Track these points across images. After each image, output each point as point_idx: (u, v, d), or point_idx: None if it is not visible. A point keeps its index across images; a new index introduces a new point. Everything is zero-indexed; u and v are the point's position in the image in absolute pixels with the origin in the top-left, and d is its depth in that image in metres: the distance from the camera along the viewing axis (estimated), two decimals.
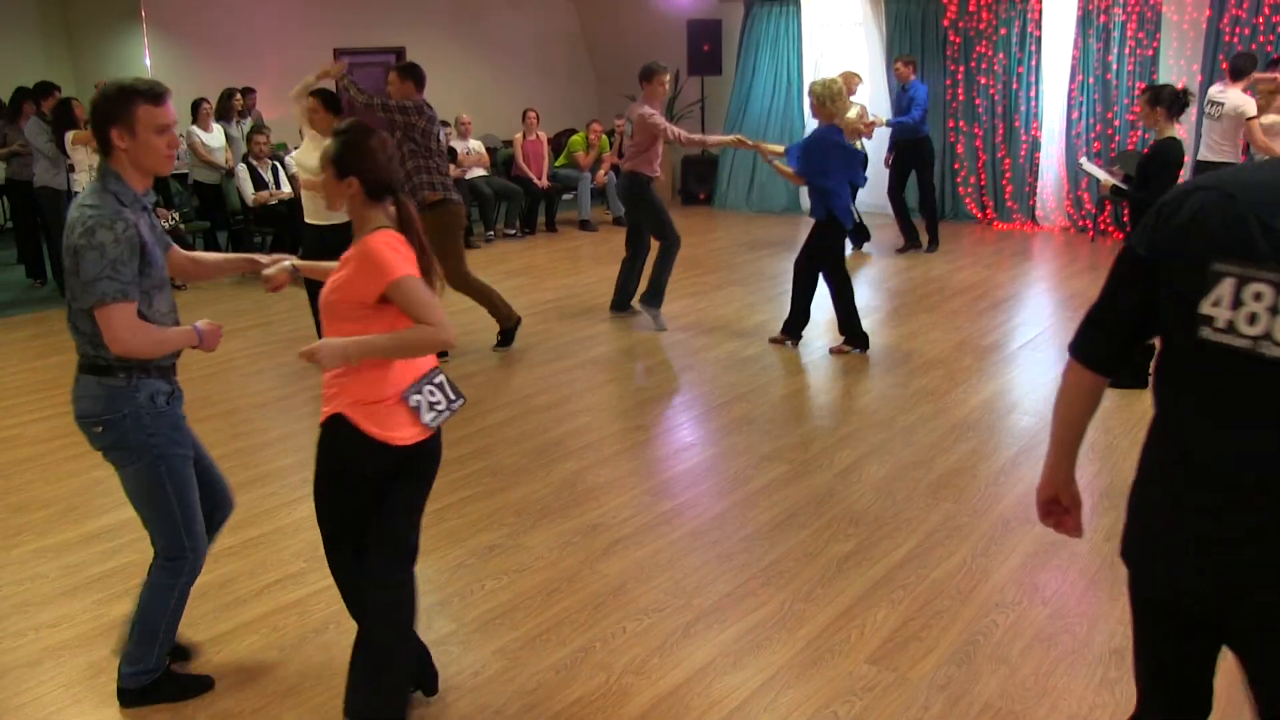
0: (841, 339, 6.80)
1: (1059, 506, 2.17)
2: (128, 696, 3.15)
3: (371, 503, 2.90)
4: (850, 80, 9.54)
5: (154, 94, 2.83)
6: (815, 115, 6.59)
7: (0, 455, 5.22)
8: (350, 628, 3.54)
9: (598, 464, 4.99)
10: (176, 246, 3.22)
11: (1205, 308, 1.76)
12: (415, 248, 2.89)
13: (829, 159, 6.50)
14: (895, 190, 10.04)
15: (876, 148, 10.56)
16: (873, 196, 11.66)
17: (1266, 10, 9.78)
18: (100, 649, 3.44)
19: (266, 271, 3.19)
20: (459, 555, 4.07)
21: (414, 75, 6.62)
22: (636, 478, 4.86)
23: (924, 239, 10.12)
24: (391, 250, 2.78)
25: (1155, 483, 1.93)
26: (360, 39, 12.10)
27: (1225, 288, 1.73)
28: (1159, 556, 1.92)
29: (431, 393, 2.90)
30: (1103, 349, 1.99)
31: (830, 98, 6.45)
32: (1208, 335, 1.76)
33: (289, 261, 3.23)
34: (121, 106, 2.80)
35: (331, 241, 5.57)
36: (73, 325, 2.89)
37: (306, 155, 6.23)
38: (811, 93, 6.52)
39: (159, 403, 2.94)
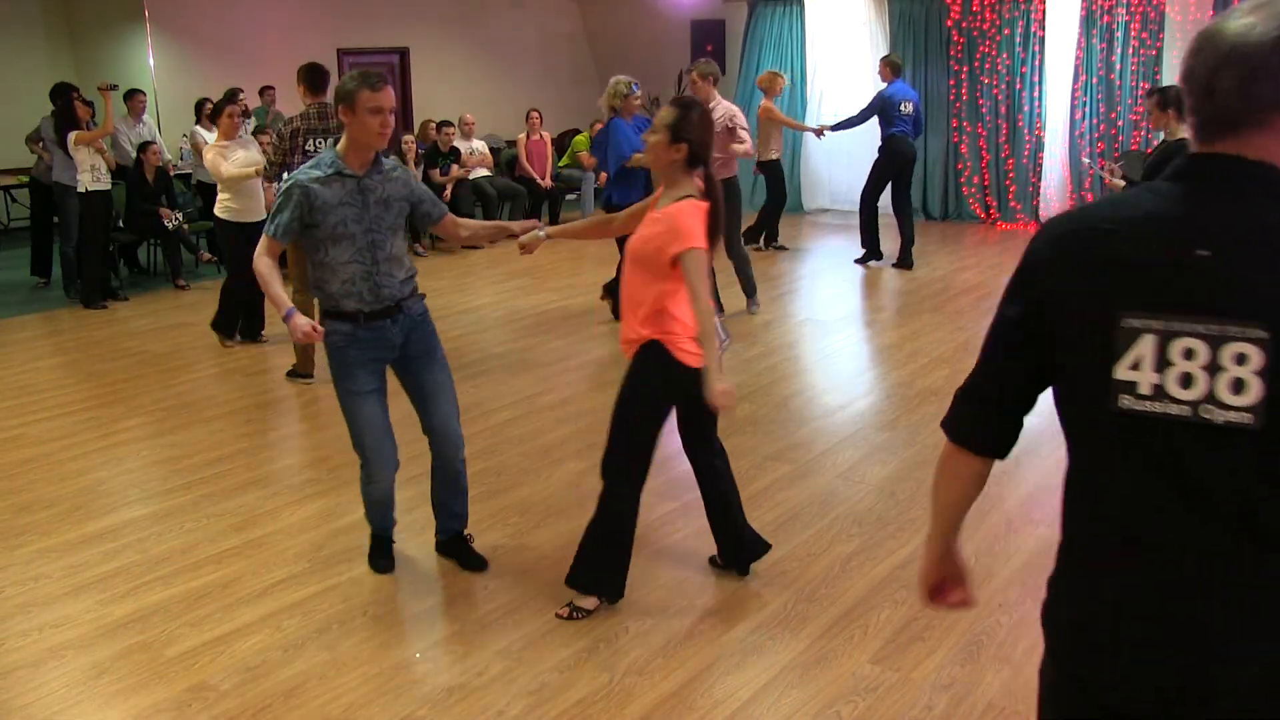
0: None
1: (947, 585, 1.94)
2: (437, 546, 4.05)
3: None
4: (775, 81, 9.59)
5: (372, 83, 3.46)
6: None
7: (4, 455, 5.23)
8: (353, 628, 3.55)
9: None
10: (450, 214, 3.86)
11: (1121, 372, 1.48)
12: (712, 220, 3.36)
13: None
14: (868, 197, 9.53)
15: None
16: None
17: None
18: (103, 649, 3.45)
19: (523, 238, 3.72)
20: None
21: (304, 77, 6.37)
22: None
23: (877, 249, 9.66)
24: (695, 220, 3.29)
25: (1096, 573, 1.60)
26: (363, 39, 12.11)
27: (1145, 346, 1.45)
28: (1109, 658, 1.56)
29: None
30: (993, 430, 1.73)
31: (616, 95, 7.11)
32: (1129, 405, 1.48)
33: (541, 231, 3.74)
34: (351, 90, 3.45)
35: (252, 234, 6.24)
36: None
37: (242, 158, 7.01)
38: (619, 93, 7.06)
39: (333, 340, 3.60)
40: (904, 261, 9.39)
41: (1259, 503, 1.41)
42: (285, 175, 6.07)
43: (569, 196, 12.10)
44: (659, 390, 3.53)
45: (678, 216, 3.30)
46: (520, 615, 3.62)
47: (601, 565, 3.58)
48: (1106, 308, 1.48)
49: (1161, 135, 5.96)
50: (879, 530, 4.22)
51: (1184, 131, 5.74)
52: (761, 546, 3.86)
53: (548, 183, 11.68)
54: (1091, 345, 1.51)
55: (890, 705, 3.10)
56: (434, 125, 10.97)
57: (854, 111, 9.85)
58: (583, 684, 3.22)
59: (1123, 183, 6.02)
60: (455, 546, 4.02)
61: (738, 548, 3.84)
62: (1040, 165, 11.29)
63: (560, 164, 12.21)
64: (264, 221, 5.78)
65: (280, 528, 4.36)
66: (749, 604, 3.68)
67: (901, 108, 9.28)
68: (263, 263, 3.55)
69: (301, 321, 3.45)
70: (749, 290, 7.84)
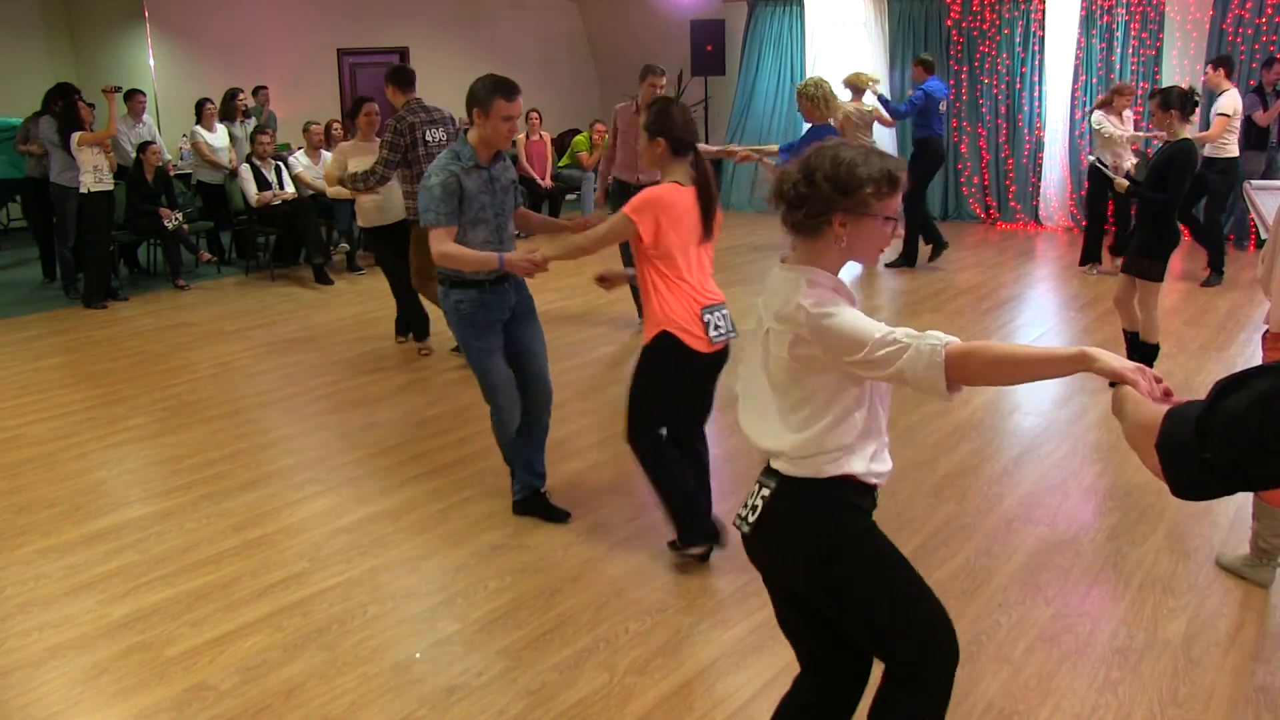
0: None
1: None
2: (514, 506, 4.41)
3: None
4: (862, 80, 9.11)
5: (509, 91, 3.87)
6: (808, 118, 6.48)
7: (4, 455, 5.23)
8: (353, 628, 3.55)
9: (601, 464, 4.99)
10: (522, 206, 4.32)
11: None
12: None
13: None
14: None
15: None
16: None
17: (1269, 10, 9.77)
18: (103, 649, 3.45)
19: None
20: (462, 555, 4.07)
21: (393, 79, 6.43)
22: (640, 478, 4.84)
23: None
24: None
25: None
26: (363, 39, 12.12)
27: None
28: None
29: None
30: None
31: (824, 98, 6.37)
32: None
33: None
34: (486, 96, 3.85)
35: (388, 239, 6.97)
36: None
37: (358, 163, 6.80)
38: (804, 94, 6.39)
39: (460, 309, 4.06)
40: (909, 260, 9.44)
41: None
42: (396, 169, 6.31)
43: (569, 196, 12.10)
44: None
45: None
46: (520, 615, 3.62)
47: None
48: None
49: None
50: None
51: (1186, 132, 5.73)
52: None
53: (548, 183, 11.68)
54: None
55: None
56: None
57: (898, 105, 9.74)
58: (583, 684, 3.22)
59: (1127, 182, 6.01)
60: (536, 503, 4.37)
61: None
62: (1040, 165, 11.30)
63: (560, 164, 12.21)
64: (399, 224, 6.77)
65: (280, 527, 4.36)
66: (749, 603, 3.68)
67: (941, 106, 9.28)
68: (451, 246, 3.90)
69: (517, 257, 3.82)
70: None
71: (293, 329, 7.62)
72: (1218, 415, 1.37)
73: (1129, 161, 8.66)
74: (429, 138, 6.24)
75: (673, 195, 3.65)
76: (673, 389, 3.83)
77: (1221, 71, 8.24)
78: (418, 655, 3.39)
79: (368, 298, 8.50)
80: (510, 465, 4.48)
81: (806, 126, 6.82)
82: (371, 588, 3.84)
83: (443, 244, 3.90)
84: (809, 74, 12.50)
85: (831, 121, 6.52)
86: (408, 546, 4.15)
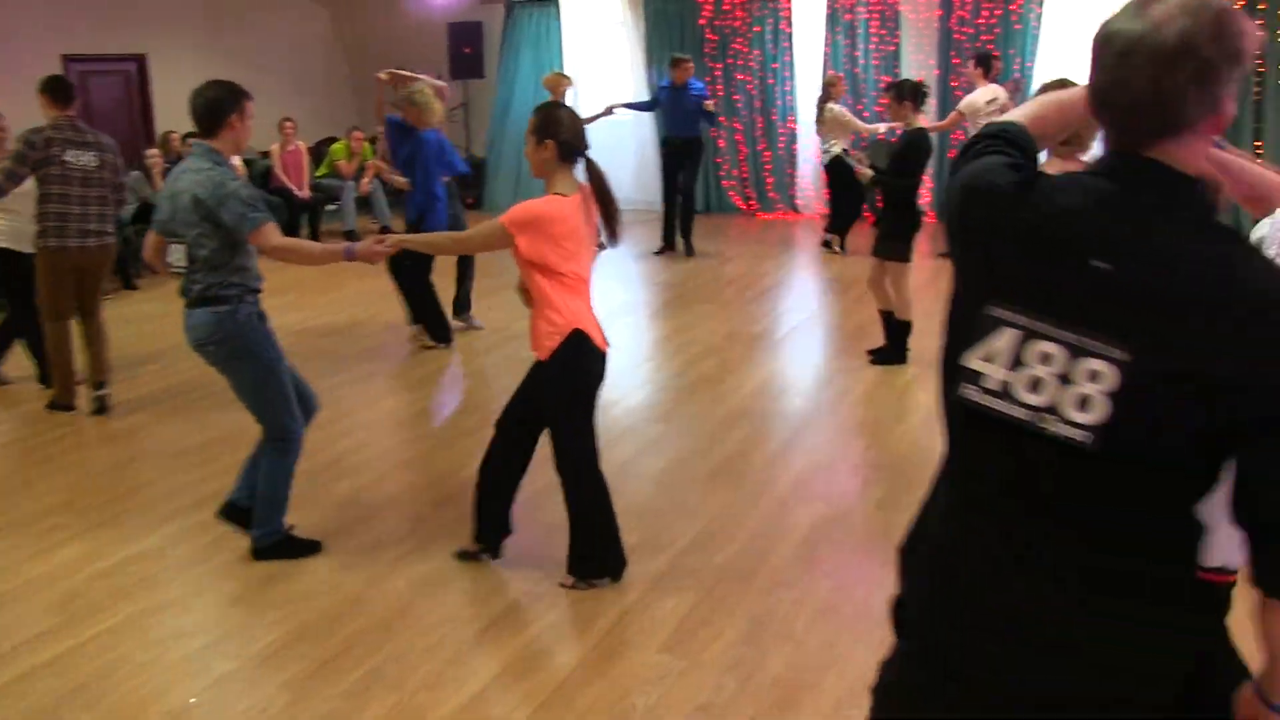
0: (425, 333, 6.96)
1: None
2: (260, 554, 4.01)
3: None
4: (560, 82, 9.29)
5: (248, 94, 3.85)
6: (413, 121, 6.56)
7: None
8: (117, 680, 3.29)
9: (376, 480, 4.84)
10: None
11: (972, 360, 1.42)
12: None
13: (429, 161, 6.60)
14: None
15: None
16: (642, 193, 11.84)
17: (985, 13, 10.67)
18: None
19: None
20: (235, 588, 3.85)
21: (48, 89, 5.77)
22: (418, 490, 4.74)
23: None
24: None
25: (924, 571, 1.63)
26: (94, 45, 11.25)
27: (1003, 340, 1.38)
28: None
29: None
30: None
31: (425, 105, 6.51)
32: (971, 396, 1.43)
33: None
34: (236, 101, 3.79)
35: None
36: (191, 267, 3.76)
37: None
38: (409, 100, 6.53)
39: (254, 320, 3.84)
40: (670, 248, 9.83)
41: (1088, 514, 1.37)
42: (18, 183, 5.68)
43: (329, 207, 11.69)
44: None
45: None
46: (302, 645, 3.46)
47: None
48: (979, 292, 1.43)
49: (902, 125, 6.39)
50: (657, 521, 4.29)
51: (919, 121, 6.18)
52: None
53: (305, 193, 11.24)
54: (958, 327, 1.47)
55: (683, 690, 3.15)
56: (178, 137, 10.32)
57: (641, 99, 10.07)
58: (373, 707, 3.11)
59: (871, 171, 6.40)
60: (288, 546, 4.11)
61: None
62: (795, 156, 11.86)
63: (318, 174, 11.77)
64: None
65: (26, 581, 3.97)
66: (536, 606, 3.66)
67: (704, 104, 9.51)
68: (291, 240, 4.02)
69: (366, 243, 3.84)
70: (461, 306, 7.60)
71: (29, 363, 6.96)
72: (981, 158, 1.54)
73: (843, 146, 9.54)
74: (69, 158, 5.64)
75: (554, 208, 3.48)
76: (592, 393, 3.66)
77: (980, 70, 8.80)
78: (193, 700, 3.17)
79: (120, 324, 7.90)
80: (281, 514, 4.06)
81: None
82: (137, 633, 3.56)
83: (280, 239, 3.83)
84: (568, 74, 12.61)
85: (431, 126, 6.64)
86: (176, 585, 3.89)
